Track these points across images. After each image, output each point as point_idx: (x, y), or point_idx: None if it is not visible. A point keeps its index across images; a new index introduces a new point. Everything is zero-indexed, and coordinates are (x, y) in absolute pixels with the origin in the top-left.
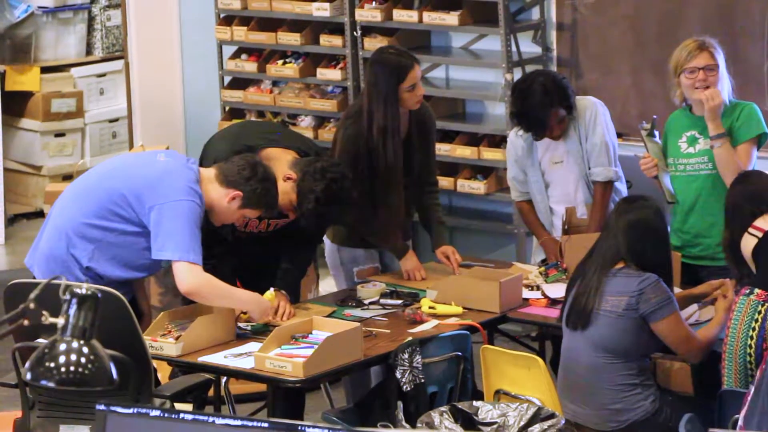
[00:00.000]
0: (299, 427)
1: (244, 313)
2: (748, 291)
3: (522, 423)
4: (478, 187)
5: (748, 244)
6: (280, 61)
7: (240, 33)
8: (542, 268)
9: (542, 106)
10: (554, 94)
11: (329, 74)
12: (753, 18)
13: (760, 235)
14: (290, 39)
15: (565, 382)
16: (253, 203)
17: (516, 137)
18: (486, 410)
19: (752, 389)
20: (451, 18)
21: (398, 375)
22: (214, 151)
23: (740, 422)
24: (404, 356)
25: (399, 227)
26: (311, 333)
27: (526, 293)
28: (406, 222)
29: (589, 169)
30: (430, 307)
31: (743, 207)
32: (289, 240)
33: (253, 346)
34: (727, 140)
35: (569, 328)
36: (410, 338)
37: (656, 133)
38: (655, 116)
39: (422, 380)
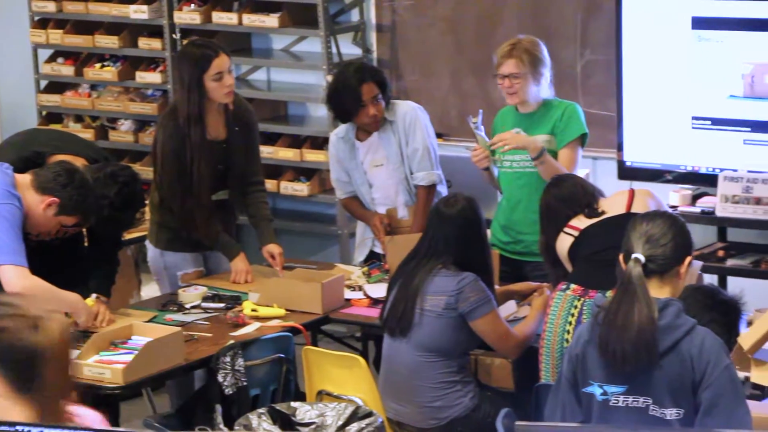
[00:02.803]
0: None
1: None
2: (564, 286)
3: (340, 422)
4: (301, 189)
5: (563, 243)
6: (98, 65)
7: (56, 36)
8: (365, 269)
9: (356, 78)
10: (367, 70)
11: (149, 77)
12: (566, 19)
13: (575, 233)
14: (108, 42)
15: (387, 381)
16: (69, 210)
17: (337, 139)
18: (304, 411)
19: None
20: (271, 20)
21: (220, 378)
22: (1, 158)
23: (546, 414)
24: (226, 359)
25: (217, 224)
26: (131, 339)
27: (349, 294)
28: (231, 223)
29: (412, 173)
30: (252, 310)
31: (558, 210)
32: (92, 247)
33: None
34: (546, 156)
35: (389, 334)
36: (232, 341)
37: (482, 127)
38: (480, 110)
39: (244, 383)
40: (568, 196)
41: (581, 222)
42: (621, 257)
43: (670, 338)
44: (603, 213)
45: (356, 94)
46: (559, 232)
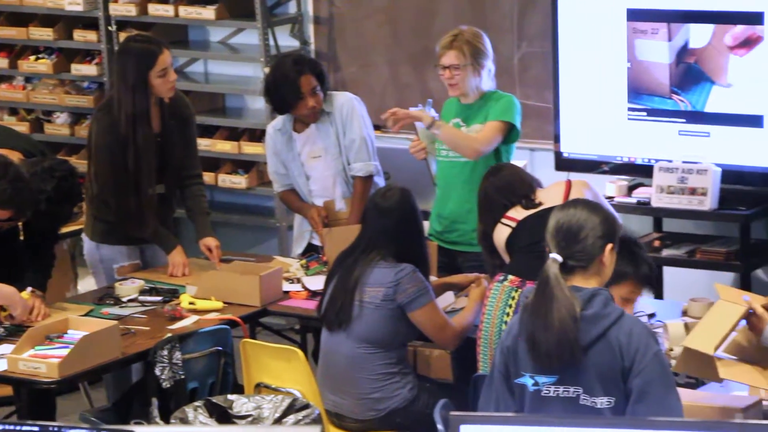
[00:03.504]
0: (50, 428)
1: (3, 310)
2: (502, 277)
3: (277, 415)
4: (239, 181)
5: (501, 234)
6: (33, 57)
7: None
8: (303, 261)
9: (295, 70)
10: (306, 63)
11: (84, 70)
12: (503, 11)
13: (513, 224)
14: (42, 34)
15: (325, 373)
16: (3, 204)
17: (274, 131)
18: (241, 403)
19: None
20: (208, 12)
21: (157, 372)
22: None
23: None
24: (163, 353)
25: (155, 217)
26: (67, 333)
27: (287, 286)
28: (168, 216)
29: (349, 164)
30: (190, 303)
31: (495, 199)
32: (28, 241)
33: (5, 348)
34: (438, 123)
35: (327, 327)
36: (169, 334)
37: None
38: (430, 99)
39: (182, 376)
40: (504, 186)
41: (519, 213)
42: (546, 251)
43: (598, 327)
44: (540, 204)
45: (295, 86)
46: (496, 221)
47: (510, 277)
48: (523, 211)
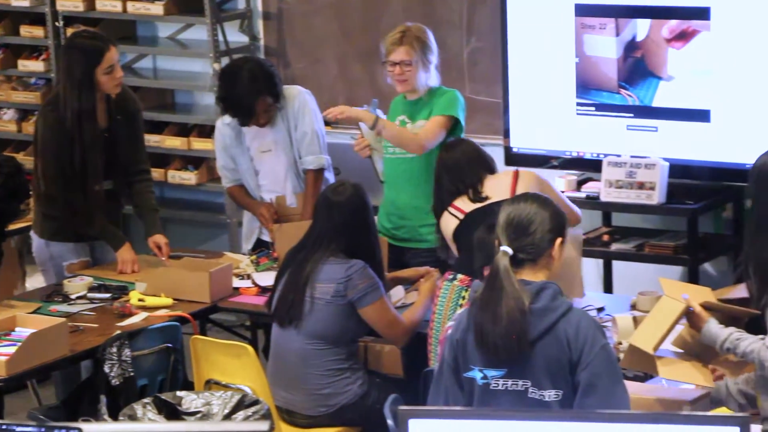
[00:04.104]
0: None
1: None
2: (451, 276)
3: (226, 411)
4: (189, 177)
5: (449, 225)
6: None
7: None
8: (253, 257)
9: (249, 93)
10: (262, 82)
11: (31, 66)
12: (452, 7)
13: (461, 216)
14: None
15: (276, 369)
16: None
17: (223, 125)
18: (190, 400)
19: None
20: (156, 7)
21: (106, 369)
22: None
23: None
24: (112, 350)
25: (103, 214)
26: (14, 330)
27: (237, 282)
28: (117, 213)
29: (300, 158)
30: (139, 300)
31: (442, 177)
32: None
33: None
34: (381, 123)
35: (278, 322)
36: (119, 331)
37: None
38: (375, 99)
39: (131, 373)
40: (454, 167)
41: (465, 205)
42: (496, 244)
43: (547, 321)
44: (487, 198)
45: (250, 109)
46: (444, 206)
47: (459, 276)
48: (470, 204)
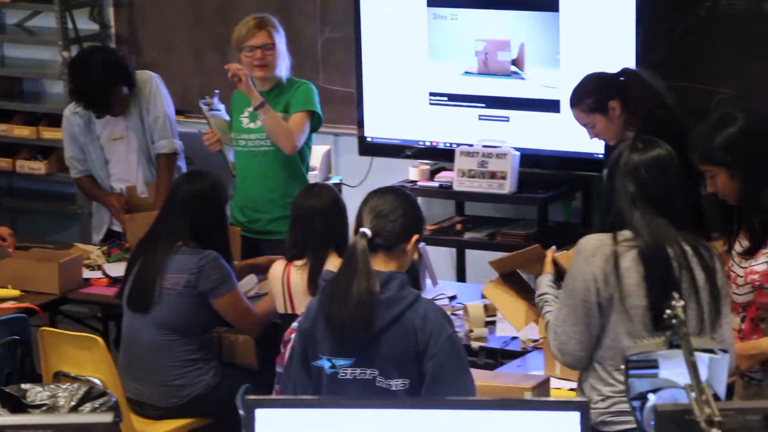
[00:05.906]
0: None
1: None
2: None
3: (73, 403)
4: (38, 167)
5: None
6: None
7: None
8: (104, 248)
9: (105, 85)
10: (116, 73)
11: None
12: None
13: None
14: None
15: (127, 360)
16: None
17: (71, 114)
18: (35, 393)
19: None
20: None
21: None
22: None
23: (276, 389)
24: None
25: None
26: None
27: (88, 273)
28: None
29: (153, 143)
30: None
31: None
32: None
33: None
34: (269, 108)
35: (130, 310)
36: None
37: (222, 107)
38: (216, 90)
39: None
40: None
41: None
42: (353, 231)
43: (393, 310)
44: None
45: (106, 101)
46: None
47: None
48: None
